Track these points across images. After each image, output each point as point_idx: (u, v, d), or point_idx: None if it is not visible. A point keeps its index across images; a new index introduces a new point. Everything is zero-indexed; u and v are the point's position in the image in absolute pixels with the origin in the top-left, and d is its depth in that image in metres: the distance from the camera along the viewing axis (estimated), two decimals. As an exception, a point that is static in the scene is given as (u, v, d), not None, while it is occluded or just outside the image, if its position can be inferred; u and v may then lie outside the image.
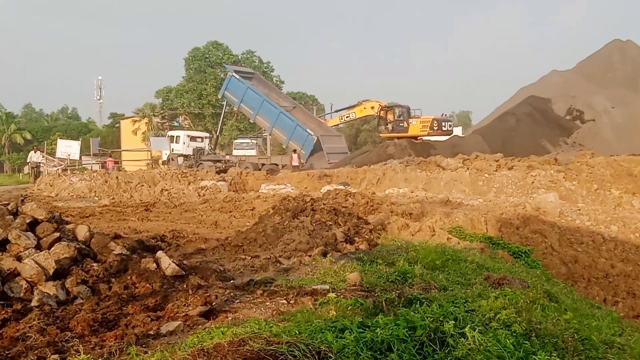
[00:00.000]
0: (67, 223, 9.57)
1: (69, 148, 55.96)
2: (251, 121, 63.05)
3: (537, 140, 50.04)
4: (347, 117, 55.72)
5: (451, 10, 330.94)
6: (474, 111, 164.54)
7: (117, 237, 11.02)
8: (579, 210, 21.82)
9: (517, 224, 18.80)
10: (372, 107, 52.57)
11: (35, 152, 45.55)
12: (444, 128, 48.69)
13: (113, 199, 27.37)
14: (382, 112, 51.33)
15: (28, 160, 43.58)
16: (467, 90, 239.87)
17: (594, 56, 62.78)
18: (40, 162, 42.59)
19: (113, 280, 7.86)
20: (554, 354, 4.99)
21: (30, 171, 42.60)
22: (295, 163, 50.02)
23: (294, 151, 51.65)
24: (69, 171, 44.78)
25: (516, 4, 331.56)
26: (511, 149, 42.29)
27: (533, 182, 27.88)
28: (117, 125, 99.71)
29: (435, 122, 48.22)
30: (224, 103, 63.65)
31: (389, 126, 50.30)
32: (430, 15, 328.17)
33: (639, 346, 6.84)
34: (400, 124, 49.43)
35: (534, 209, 20.98)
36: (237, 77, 57.17)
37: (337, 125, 57.42)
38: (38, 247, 8.05)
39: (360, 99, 54.62)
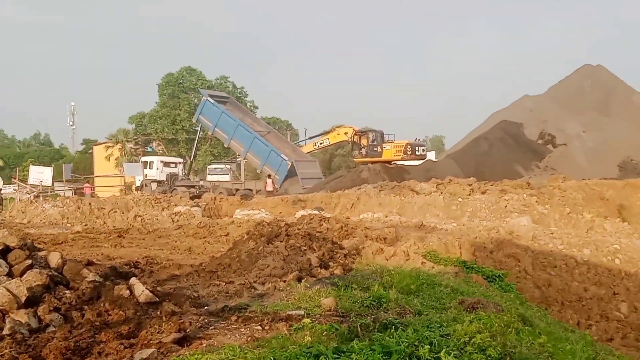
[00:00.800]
0: (40, 250, 9.47)
1: (41, 174, 55.63)
2: (225, 146, 63.04)
3: (510, 165, 50.48)
4: (320, 143, 55.93)
5: (423, 36, 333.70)
6: (447, 136, 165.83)
7: (90, 263, 10.91)
8: (552, 233, 21.93)
9: (491, 248, 18.88)
10: (346, 133, 52.82)
11: None
12: (417, 152, 48.99)
13: (86, 225, 27.17)
14: (355, 137, 51.57)
15: None
16: (440, 115, 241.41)
17: (565, 81, 63.46)
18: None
19: (86, 307, 7.77)
20: (529, 378, 5.01)
21: None
22: (269, 188, 49.96)
23: (269, 176, 51.62)
24: (41, 198, 44.46)
25: (489, 30, 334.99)
26: (484, 173, 42.61)
27: (506, 206, 28.04)
28: (90, 151, 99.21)
29: (409, 146, 48.52)
30: (198, 128, 63.74)
31: (363, 151, 50.55)
32: (402, 41, 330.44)
33: (613, 369, 6.89)
34: (374, 149, 49.69)
35: (508, 232, 21.08)
36: (212, 101, 57.25)
37: (311, 151, 57.50)
38: (10, 275, 7.96)
39: (333, 125, 54.88)
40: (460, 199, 29.69)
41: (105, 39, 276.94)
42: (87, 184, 64.72)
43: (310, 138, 57.84)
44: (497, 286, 14.51)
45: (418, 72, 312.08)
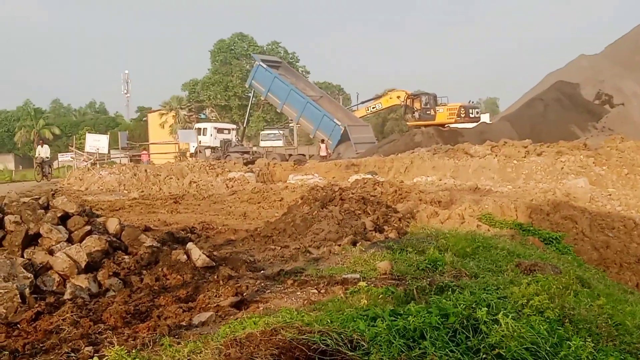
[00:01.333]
0: (98, 216, 9.63)
1: (97, 142, 56.27)
2: (278, 111, 63.10)
3: (566, 126, 49.58)
4: (373, 107, 55.53)
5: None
6: (501, 98, 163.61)
7: (147, 229, 11.07)
8: (610, 195, 21.60)
9: (547, 210, 18.65)
10: (398, 97, 52.36)
11: (42, 147, 43.26)
12: (471, 115, 48.41)
13: (142, 192, 27.54)
14: (408, 101, 51.09)
15: (35, 155, 42.33)
16: (495, 77, 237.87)
17: (623, 39, 61.89)
18: (46, 157, 41.39)
19: (144, 272, 7.90)
20: (588, 340, 4.93)
21: (35, 167, 41.42)
22: (323, 153, 49.88)
23: (322, 141, 51.50)
24: (98, 165, 45.07)
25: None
26: (539, 135, 41.93)
27: (562, 168, 27.65)
28: (144, 118, 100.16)
29: (462, 109, 47.98)
30: (251, 94, 63.79)
31: (416, 114, 50.07)
32: (456, 2, 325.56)
33: (674, 331, 6.77)
34: (427, 112, 49.21)
35: (564, 194, 20.81)
36: (264, 66, 57.07)
37: (364, 116, 57.17)
38: (69, 241, 8.12)
39: (386, 89, 54.40)
40: (515, 161, 29.35)
41: (158, 6, 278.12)
42: (144, 151, 65.39)
43: (363, 102, 57.38)
44: (554, 248, 14.35)
45: (471, 33, 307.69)
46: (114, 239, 8.65)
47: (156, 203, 22.71)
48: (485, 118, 61.82)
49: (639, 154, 28.48)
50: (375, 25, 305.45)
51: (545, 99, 53.60)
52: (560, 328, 5.07)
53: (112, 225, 9.06)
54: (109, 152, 59.94)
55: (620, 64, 57.08)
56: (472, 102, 51.94)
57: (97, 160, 52.25)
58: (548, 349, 4.37)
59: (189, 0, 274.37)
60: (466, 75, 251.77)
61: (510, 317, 4.80)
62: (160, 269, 7.89)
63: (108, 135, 59.51)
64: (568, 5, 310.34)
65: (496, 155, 30.80)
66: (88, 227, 8.43)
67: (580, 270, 11.88)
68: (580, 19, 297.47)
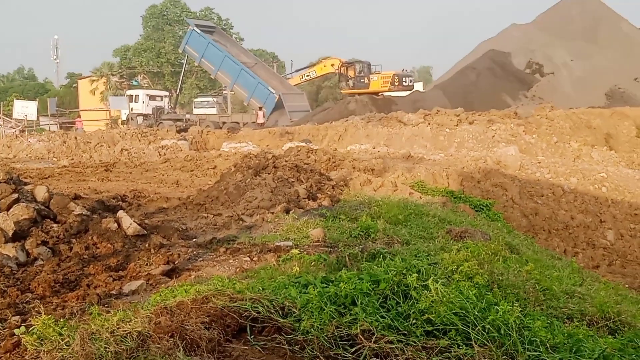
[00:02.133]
0: (26, 184, 9.42)
1: (25, 109, 55.13)
2: (212, 77, 62.58)
3: (498, 94, 50.32)
4: (307, 75, 55.47)
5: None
6: (434, 66, 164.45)
7: (77, 197, 10.88)
8: (539, 163, 22.02)
9: (479, 178, 18.95)
10: (332, 65, 52.37)
11: None
12: (404, 83, 48.69)
13: (72, 159, 27.06)
14: (342, 69, 51.16)
15: None
16: (427, 45, 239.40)
17: (554, 9, 62.80)
18: None
19: (74, 241, 7.77)
20: (516, 305, 5.03)
21: None
22: (260, 120, 49.68)
23: (260, 108, 51.28)
24: (26, 132, 44.17)
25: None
26: (472, 104, 42.52)
27: (494, 136, 28.09)
28: (74, 85, 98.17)
29: (396, 77, 48.21)
30: (184, 61, 63.10)
31: (350, 82, 50.21)
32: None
33: (599, 295, 6.94)
34: (361, 80, 49.36)
35: (495, 162, 21.13)
36: (198, 31, 56.40)
37: (299, 84, 57.06)
38: (-5, 209, 7.94)
39: (320, 57, 54.36)
40: (447, 130, 29.70)
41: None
42: (78, 118, 64.24)
43: (297, 70, 57.28)
44: (484, 215, 14.60)
45: (403, 1, 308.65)
46: (43, 207, 8.48)
47: (86, 171, 22.33)
48: (418, 86, 62.29)
49: (568, 122, 29.10)
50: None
51: (478, 67, 54.28)
52: (488, 293, 5.15)
53: (41, 193, 8.87)
54: (37, 119, 58.73)
55: (551, 34, 58.03)
56: (406, 70, 52.18)
57: (25, 127, 51.15)
58: (476, 313, 4.44)
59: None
60: (400, 43, 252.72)
61: (439, 282, 4.86)
62: (90, 238, 7.77)
63: (37, 102, 58.28)
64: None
65: (429, 124, 31.12)
66: (15, 195, 8.24)
67: (509, 236, 12.11)
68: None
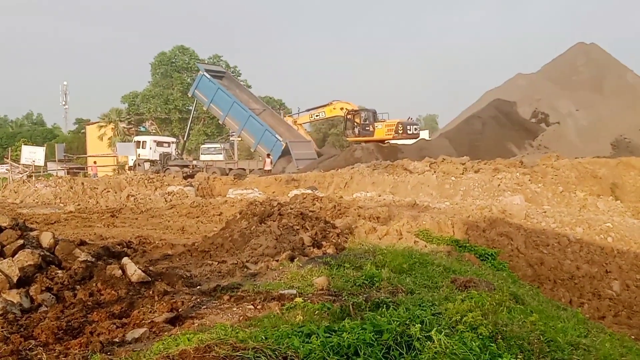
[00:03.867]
0: (32, 230, 9.45)
1: (33, 154, 55.22)
2: (220, 122, 62.88)
3: (503, 143, 50.52)
4: (316, 115, 55.69)
5: (416, 13, 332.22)
6: (440, 115, 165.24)
7: (82, 243, 10.91)
8: (545, 212, 21.98)
9: (484, 227, 18.91)
10: (342, 108, 52.66)
11: None
12: (409, 132, 48.84)
13: (79, 205, 27.16)
14: (349, 116, 51.48)
15: None
16: (434, 94, 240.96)
17: (559, 59, 63.38)
18: None
19: (78, 287, 7.76)
20: (520, 356, 5.02)
21: None
22: (268, 167, 49.93)
23: (268, 155, 51.50)
24: (33, 177, 44.29)
25: (483, 8, 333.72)
26: (477, 152, 42.67)
27: (499, 185, 28.10)
28: (82, 131, 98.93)
29: (400, 125, 48.41)
30: (192, 107, 63.66)
31: (356, 130, 50.49)
32: (395, 19, 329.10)
33: (604, 347, 6.91)
34: (366, 128, 49.65)
35: (500, 211, 21.11)
36: (208, 76, 56.88)
37: (307, 122, 57.20)
38: (1, 255, 7.95)
39: (332, 100, 54.59)
40: (453, 178, 29.73)
41: (97, 17, 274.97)
42: (94, 164, 64.56)
43: (308, 110, 57.45)
44: (489, 265, 14.55)
45: (411, 51, 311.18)
46: (48, 253, 8.49)
47: (93, 217, 22.42)
48: (424, 135, 62.56)
49: (574, 172, 29.11)
50: (318, 41, 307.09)
51: (483, 116, 54.60)
52: (492, 344, 5.14)
53: (46, 239, 8.90)
54: (45, 164, 58.92)
55: (556, 83, 58.48)
56: (411, 118, 52.41)
57: (32, 172, 51.30)
58: (480, 365, 4.43)
59: (128, 13, 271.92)
60: (407, 92, 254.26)
61: (443, 333, 4.86)
62: (94, 284, 7.77)
63: (45, 147, 58.52)
64: (506, 24, 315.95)
65: (434, 172, 31.16)
66: (21, 241, 8.27)
67: (514, 286, 12.05)
68: (518, 38, 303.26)
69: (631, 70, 60.52)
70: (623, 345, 8.86)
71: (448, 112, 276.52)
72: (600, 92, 57.11)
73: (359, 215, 18.19)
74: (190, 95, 63.60)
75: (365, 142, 48.47)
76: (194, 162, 58.61)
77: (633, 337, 13.24)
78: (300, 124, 56.72)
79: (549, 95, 57.42)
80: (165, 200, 28.62)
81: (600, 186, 28.68)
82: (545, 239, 19.27)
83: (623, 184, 29.31)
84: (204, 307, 7.09)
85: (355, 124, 50.67)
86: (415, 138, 50.52)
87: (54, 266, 8.25)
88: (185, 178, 41.90)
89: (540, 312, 8.72)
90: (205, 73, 57.61)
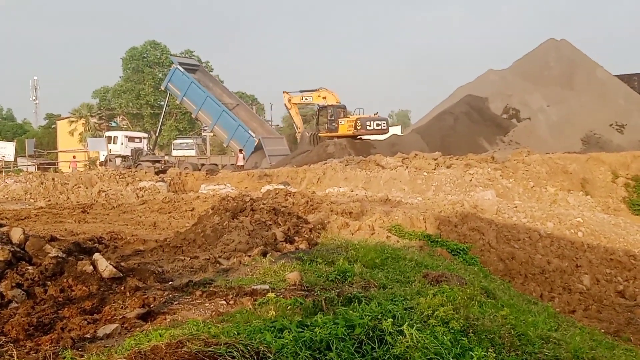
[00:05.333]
0: (2, 226, 9.37)
1: (3, 149, 54.91)
2: (193, 117, 62.52)
3: (475, 139, 50.84)
4: (306, 98, 54.88)
5: (391, 10, 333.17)
6: (413, 110, 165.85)
7: (53, 239, 10.82)
8: (516, 207, 22.12)
9: (456, 222, 19.00)
10: (324, 98, 52.25)
11: None
12: (368, 127, 48.70)
13: (49, 200, 26.88)
14: (320, 112, 51.56)
15: None
16: (407, 90, 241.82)
17: (530, 55, 63.78)
18: None
19: (49, 283, 7.70)
20: (491, 350, 5.06)
21: None
22: (240, 162, 49.85)
23: (240, 150, 51.39)
24: (3, 173, 43.89)
25: (455, 4, 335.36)
26: (449, 148, 42.88)
27: (471, 180, 28.26)
28: (53, 126, 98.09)
29: (358, 121, 48.42)
30: (164, 102, 63.38)
31: (325, 126, 50.58)
32: (371, 16, 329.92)
33: (575, 341, 6.98)
34: (333, 124, 49.71)
35: (472, 206, 21.21)
36: (182, 69, 56.49)
37: (299, 104, 55.79)
38: (-30, 251, 7.87)
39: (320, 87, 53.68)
40: (425, 173, 29.86)
41: (67, 11, 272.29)
42: (73, 158, 64.15)
43: (301, 91, 56.22)
44: (461, 259, 14.63)
45: (384, 46, 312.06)
46: (18, 249, 8.41)
47: (63, 212, 22.21)
48: (396, 130, 62.63)
49: (544, 167, 29.38)
50: (291, 36, 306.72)
51: (455, 112, 54.89)
52: (464, 338, 5.18)
53: (16, 234, 8.81)
54: (15, 159, 58.44)
55: (527, 79, 58.91)
56: (377, 114, 52.18)
57: (2, 168, 50.85)
58: (451, 359, 4.46)
59: (99, 7, 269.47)
60: (380, 87, 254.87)
61: (415, 328, 4.89)
62: (65, 280, 7.71)
63: (15, 143, 58.08)
64: (479, 20, 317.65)
65: (407, 167, 31.27)
66: (-10, 237, 8.20)
67: (485, 281, 12.14)
68: (490, 33, 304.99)
69: (601, 66, 61.08)
70: (593, 339, 8.96)
71: (421, 108, 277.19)
72: (571, 87, 57.59)
73: (331, 211, 18.20)
74: (163, 89, 63.12)
75: (332, 137, 48.51)
76: (166, 158, 58.43)
77: (603, 330, 13.38)
78: (294, 104, 55.61)
79: (520, 91, 57.83)
80: (137, 196, 28.43)
81: (570, 181, 28.96)
82: (516, 234, 19.41)
83: (593, 179, 29.63)
84: (176, 302, 7.07)
85: (324, 120, 50.75)
86: (380, 134, 50.44)
87: (24, 262, 8.18)
88: (157, 173, 41.60)
89: (511, 306, 8.81)
90: (178, 66, 57.24)
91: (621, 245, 19.95)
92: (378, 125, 49.67)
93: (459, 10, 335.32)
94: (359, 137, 48.99)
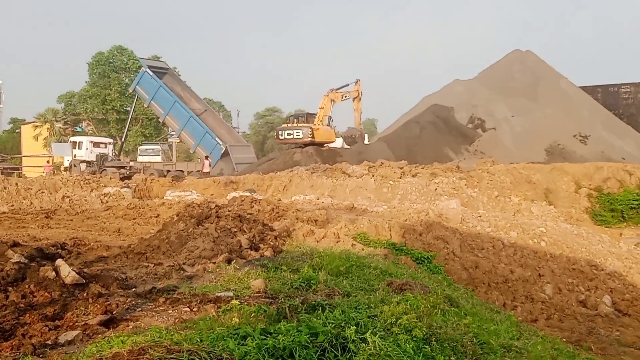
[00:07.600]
0: (-38, 231, 9.28)
1: (-35, 154, 54.25)
2: (160, 121, 62.29)
3: (440, 148, 51.18)
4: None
5: (355, 17, 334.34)
6: (379, 119, 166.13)
7: (15, 244, 10.72)
8: (480, 216, 22.28)
9: (421, 230, 19.08)
10: (332, 100, 51.56)
11: None
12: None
13: (12, 205, 26.60)
14: (291, 119, 51.91)
15: None
16: (373, 99, 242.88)
17: (495, 66, 64.45)
18: None
19: (10, 289, 7.63)
20: (453, 358, 5.09)
21: None
22: (206, 169, 49.71)
23: (207, 157, 51.26)
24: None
25: (421, 12, 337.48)
26: (415, 157, 43.18)
27: (436, 189, 28.42)
28: (17, 130, 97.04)
29: (310, 130, 48.58)
30: (130, 108, 62.70)
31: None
32: (334, 20, 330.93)
33: (536, 350, 7.05)
34: (290, 132, 49.97)
35: (437, 215, 21.31)
36: (150, 73, 56.17)
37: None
38: None
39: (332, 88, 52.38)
40: (391, 182, 29.98)
41: (31, 15, 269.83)
42: (47, 163, 63.54)
43: (339, 88, 53.75)
44: (425, 268, 14.69)
45: (349, 53, 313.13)
46: (-21, 255, 8.34)
47: (26, 218, 22.02)
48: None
49: (509, 177, 29.63)
50: (257, 44, 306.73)
51: (421, 121, 55.24)
52: (426, 346, 5.21)
53: (-23, 240, 8.74)
54: (-22, 164, 57.74)
55: (492, 89, 59.52)
56: (331, 122, 51.87)
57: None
58: (413, 367, 4.48)
59: (64, 11, 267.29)
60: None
61: (378, 335, 4.91)
62: (27, 286, 7.64)
63: (-23, 147, 57.37)
64: (444, 30, 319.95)
65: (373, 176, 31.36)
66: (-50, 242, 8.10)
67: (449, 289, 12.20)
68: (456, 43, 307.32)
69: (565, 77, 61.87)
70: (554, 348, 9.05)
71: (387, 117, 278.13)
72: (535, 99, 58.24)
73: (297, 218, 18.20)
74: (131, 91, 62.76)
75: (298, 145, 48.78)
76: (131, 164, 57.94)
77: (564, 339, 13.53)
78: (333, 99, 53.06)
79: (486, 101, 58.40)
80: (102, 202, 28.23)
81: (534, 191, 29.22)
82: (480, 243, 19.54)
83: (556, 189, 29.89)
84: (139, 309, 7.03)
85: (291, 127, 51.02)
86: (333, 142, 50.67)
87: (-15, 268, 8.10)
88: (122, 179, 41.36)
89: (474, 315, 8.87)
90: (147, 69, 56.94)
91: (583, 255, 20.17)
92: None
93: (423, 17, 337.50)
94: (326, 145, 49.15)
